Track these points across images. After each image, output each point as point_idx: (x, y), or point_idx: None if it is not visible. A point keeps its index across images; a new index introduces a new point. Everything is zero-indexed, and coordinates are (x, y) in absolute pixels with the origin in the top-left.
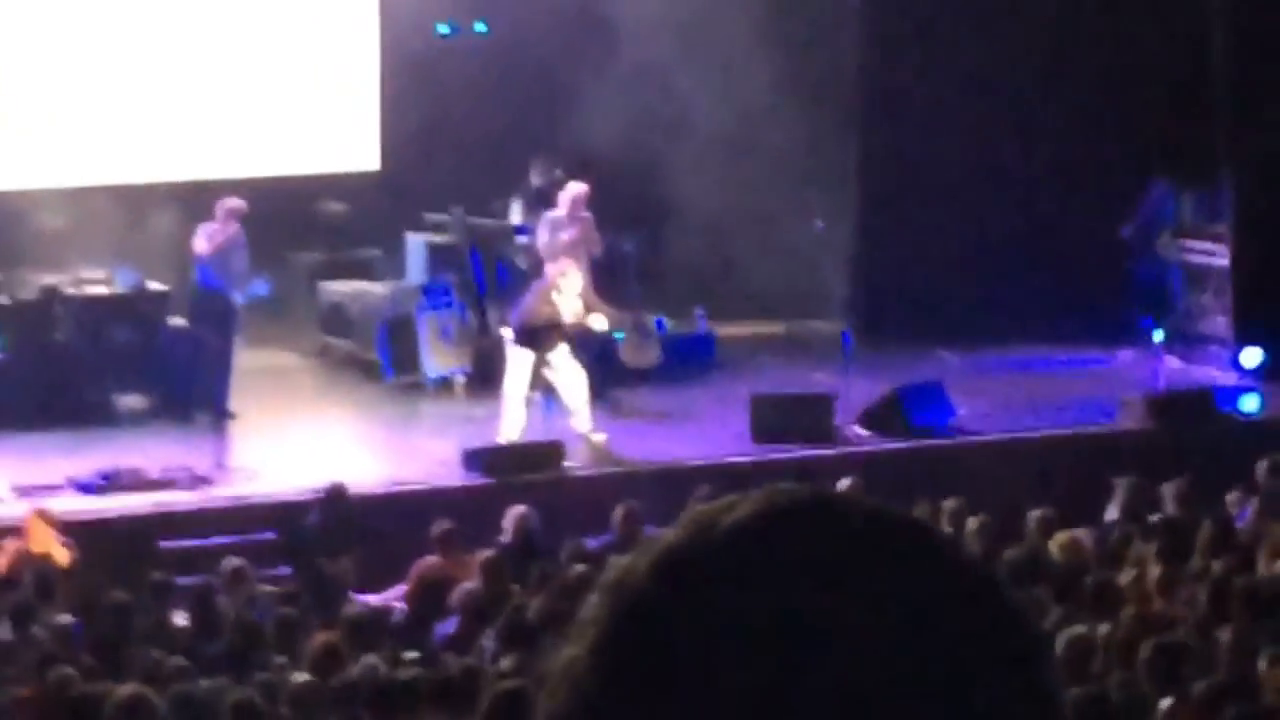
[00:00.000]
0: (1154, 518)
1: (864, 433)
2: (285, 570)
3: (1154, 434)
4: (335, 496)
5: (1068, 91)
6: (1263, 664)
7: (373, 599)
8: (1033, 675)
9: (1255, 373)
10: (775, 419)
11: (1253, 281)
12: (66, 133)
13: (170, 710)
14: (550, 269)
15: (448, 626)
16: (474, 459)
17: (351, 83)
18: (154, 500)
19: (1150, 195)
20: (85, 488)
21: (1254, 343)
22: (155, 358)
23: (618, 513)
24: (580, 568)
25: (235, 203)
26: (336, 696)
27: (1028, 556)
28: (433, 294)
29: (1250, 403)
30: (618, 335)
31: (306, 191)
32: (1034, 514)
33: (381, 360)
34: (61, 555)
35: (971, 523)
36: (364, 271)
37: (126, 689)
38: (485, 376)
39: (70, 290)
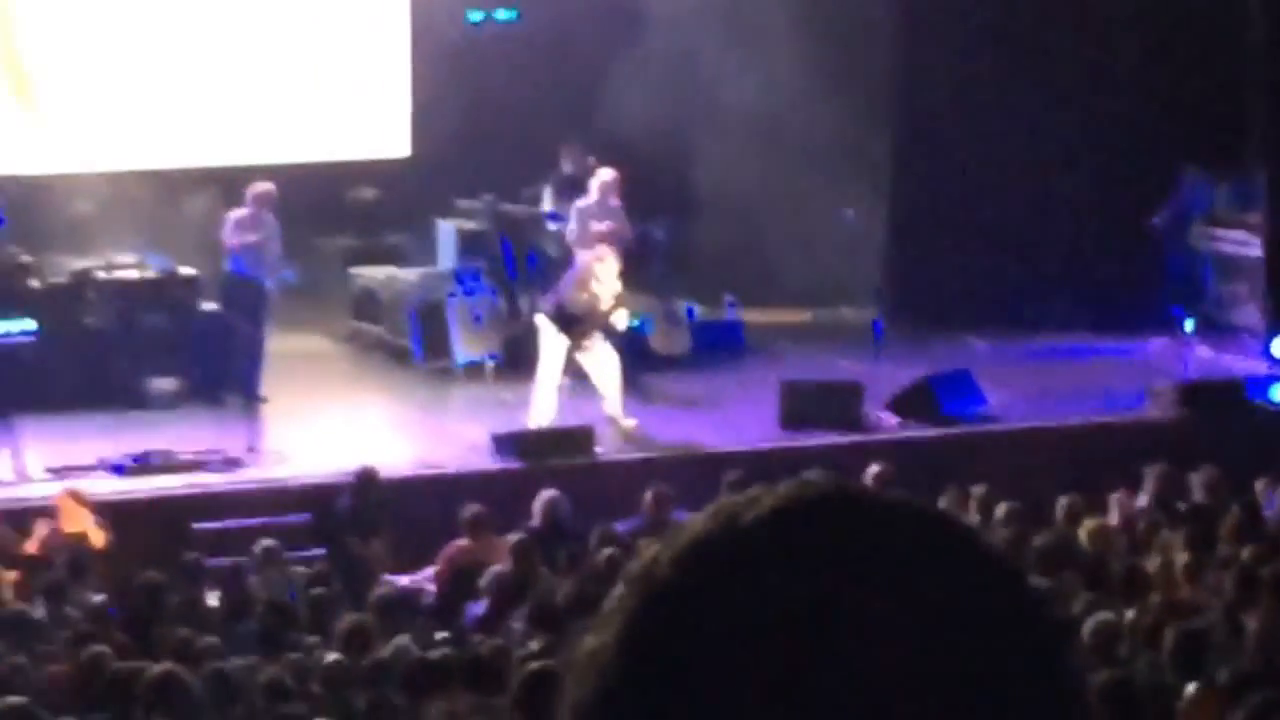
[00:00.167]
0: (1182, 505)
1: (893, 420)
2: (317, 552)
3: (1184, 422)
4: (365, 480)
5: (1102, 80)
6: None
7: (404, 580)
8: (1055, 667)
9: None
10: (804, 406)
11: None
12: (100, 118)
13: (202, 688)
14: (585, 255)
15: (477, 609)
16: (504, 443)
17: (383, 69)
18: (186, 482)
19: (1182, 184)
20: (117, 469)
21: None
22: (187, 342)
23: (647, 497)
24: (609, 552)
25: (264, 188)
26: (367, 676)
27: (1056, 543)
28: (464, 280)
29: None
30: (646, 325)
31: (338, 177)
32: (1062, 501)
33: (412, 345)
34: (95, 536)
35: (1000, 509)
36: (395, 257)
37: (159, 667)
38: (515, 362)
39: (102, 275)
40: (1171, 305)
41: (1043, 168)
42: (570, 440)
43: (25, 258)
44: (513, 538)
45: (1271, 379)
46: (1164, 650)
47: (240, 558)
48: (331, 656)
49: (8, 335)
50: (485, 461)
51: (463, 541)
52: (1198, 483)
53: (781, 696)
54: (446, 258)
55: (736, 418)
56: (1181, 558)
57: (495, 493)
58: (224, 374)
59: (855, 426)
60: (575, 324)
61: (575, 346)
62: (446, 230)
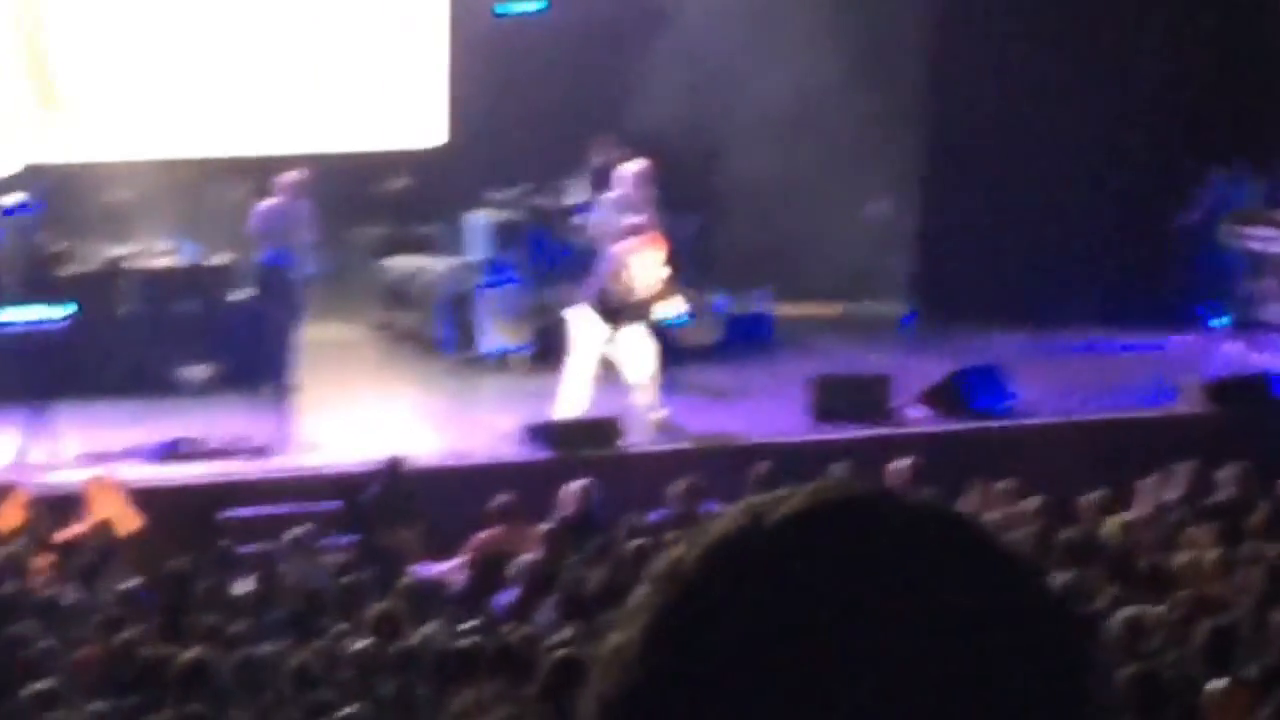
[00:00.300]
0: (1211, 501)
1: (922, 413)
2: (347, 540)
3: (1212, 418)
4: (394, 469)
5: (1132, 76)
6: None
7: (435, 569)
8: (1076, 670)
9: None
10: (834, 399)
11: None
12: (134, 107)
13: (232, 674)
14: (617, 246)
15: (506, 597)
16: (535, 433)
17: (418, 59)
18: (217, 469)
19: (1212, 181)
20: (149, 456)
21: None
22: (219, 330)
23: (676, 488)
24: (638, 542)
25: (293, 176)
26: (395, 663)
27: (1083, 537)
28: (494, 270)
29: None
30: (690, 319)
31: (370, 167)
32: (1091, 496)
33: (443, 335)
34: (126, 522)
35: (1028, 503)
36: (426, 247)
37: (190, 653)
38: (544, 353)
39: (135, 263)
40: (1200, 302)
41: (1073, 163)
42: (600, 431)
43: (59, 245)
44: (542, 527)
45: None
46: (1194, 645)
47: (271, 544)
48: (360, 644)
49: (41, 322)
50: (516, 451)
51: (492, 530)
52: (1226, 478)
53: (803, 696)
54: (477, 249)
55: (766, 409)
56: (1210, 553)
57: (525, 482)
58: (255, 362)
59: (884, 420)
60: (615, 314)
61: (611, 337)
62: (477, 221)
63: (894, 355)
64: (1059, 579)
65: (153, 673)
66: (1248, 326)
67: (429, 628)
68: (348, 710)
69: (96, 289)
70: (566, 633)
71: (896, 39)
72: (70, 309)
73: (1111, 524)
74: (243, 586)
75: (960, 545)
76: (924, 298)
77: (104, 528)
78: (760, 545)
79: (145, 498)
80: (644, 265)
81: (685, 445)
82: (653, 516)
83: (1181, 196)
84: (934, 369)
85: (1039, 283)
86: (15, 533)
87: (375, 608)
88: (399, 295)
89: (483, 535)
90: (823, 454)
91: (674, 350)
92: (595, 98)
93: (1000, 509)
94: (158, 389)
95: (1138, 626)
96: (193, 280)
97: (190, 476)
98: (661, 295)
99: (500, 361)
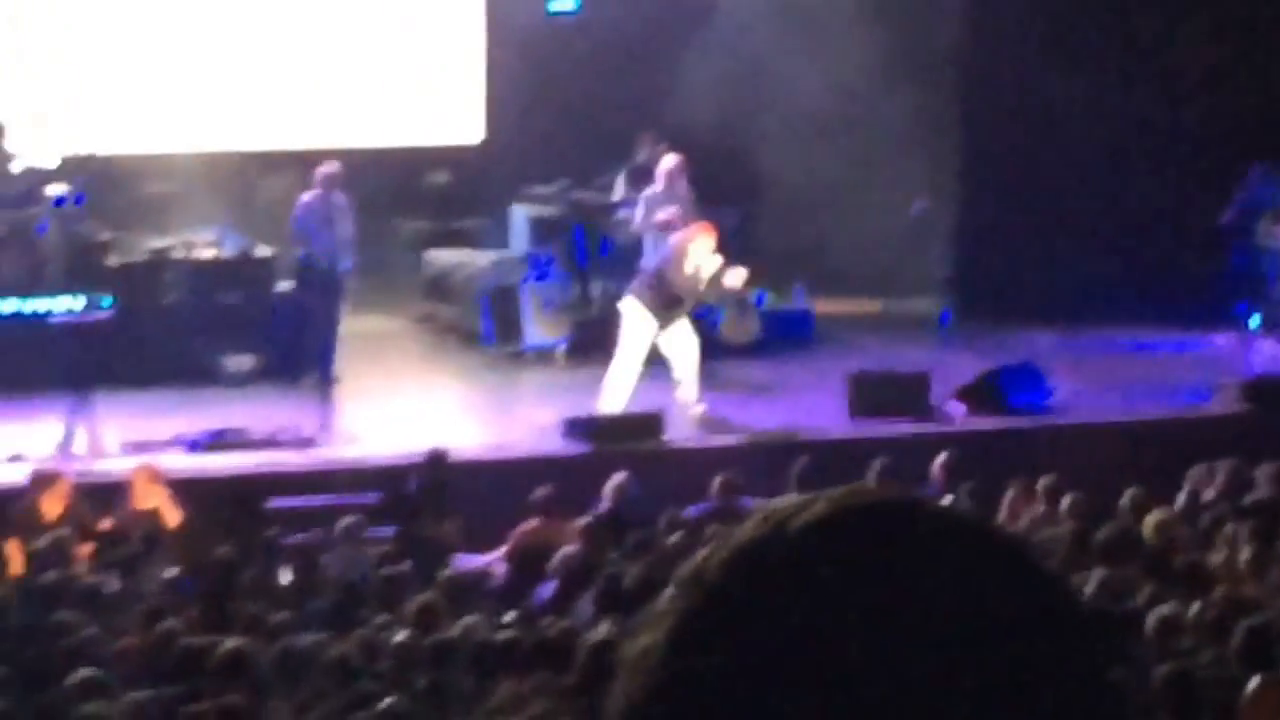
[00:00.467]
0: (1247, 500)
1: (961, 410)
2: (388, 531)
3: (1248, 417)
4: (434, 462)
5: (1170, 74)
6: None
7: (475, 561)
8: (1100, 678)
9: None
10: (873, 395)
11: None
12: (179, 100)
13: (273, 664)
14: (679, 235)
15: (546, 590)
16: (575, 427)
17: (458, 56)
18: (259, 460)
19: (1250, 180)
20: (192, 446)
21: None
22: (262, 321)
23: (716, 483)
24: (677, 536)
25: (330, 169)
26: (435, 655)
27: (1120, 535)
28: (536, 265)
29: None
30: (718, 314)
31: (413, 162)
32: (1127, 493)
33: (484, 328)
34: (170, 512)
35: (1065, 501)
36: (468, 241)
37: (230, 643)
38: (586, 347)
39: (180, 253)
40: (1237, 301)
41: (1112, 161)
42: (641, 425)
43: (104, 235)
44: (582, 521)
45: None
46: (1230, 645)
47: (312, 535)
48: (401, 635)
49: (85, 311)
50: (556, 445)
51: (533, 523)
52: (1263, 477)
53: (826, 701)
54: (519, 243)
55: (805, 405)
56: (1246, 552)
57: (566, 476)
58: (298, 353)
59: (923, 416)
60: (676, 305)
61: (661, 331)
62: (520, 215)
63: (931, 352)
64: (1095, 576)
65: (193, 662)
66: (1278, 326)
67: (468, 620)
68: (387, 701)
69: (141, 279)
70: (605, 627)
71: (934, 37)
72: (113, 300)
73: (1148, 522)
74: (284, 577)
75: (986, 553)
76: (961, 295)
77: (148, 517)
78: (782, 552)
79: (187, 487)
80: (701, 251)
81: (725, 441)
82: (692, 511)
83: (1220, 195)
84: (971, 366)
85: (1075, 281)
86: (58, 521)
87: (416, 600)
88: (441, 288)
89: (522, 528)
90: (862, 450)
91: (714, 346)
92: (633, 94)
93: (1038, 506)
94: (201, 379)
95: (1173, 625)
96: (237, 271)
97: (232, 467)
98: (720, 276)
99: (541, 355)
